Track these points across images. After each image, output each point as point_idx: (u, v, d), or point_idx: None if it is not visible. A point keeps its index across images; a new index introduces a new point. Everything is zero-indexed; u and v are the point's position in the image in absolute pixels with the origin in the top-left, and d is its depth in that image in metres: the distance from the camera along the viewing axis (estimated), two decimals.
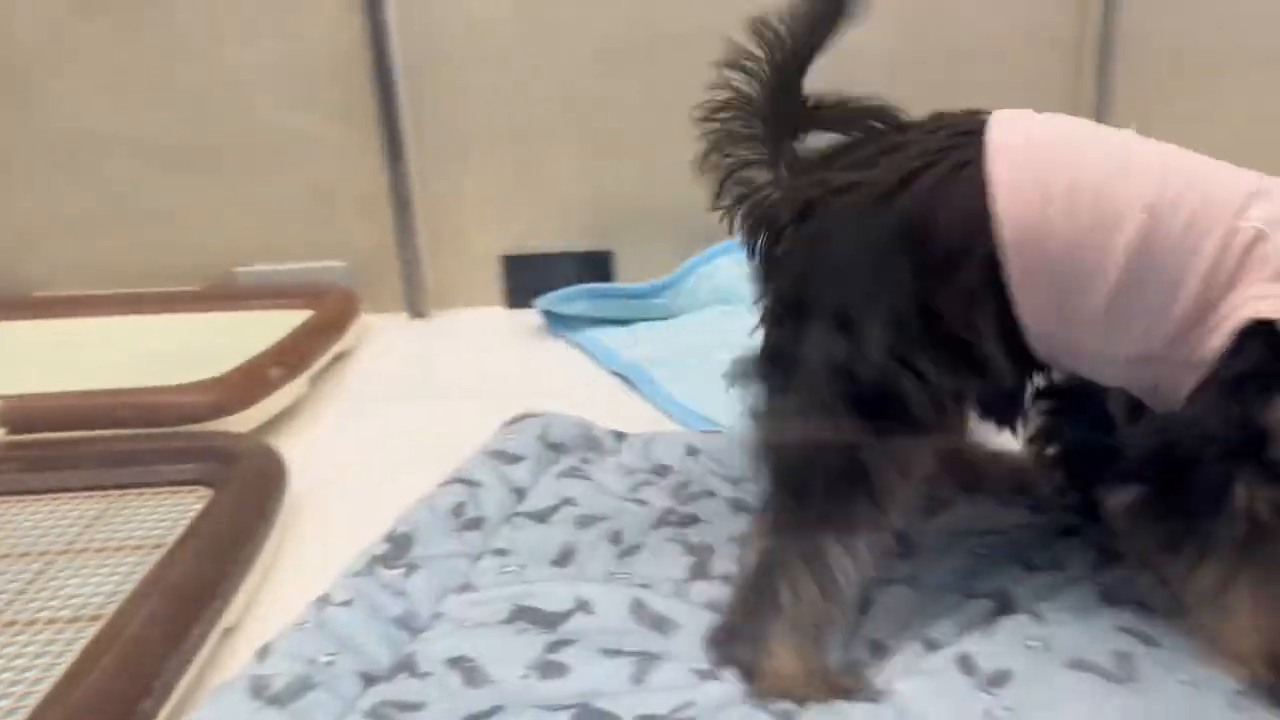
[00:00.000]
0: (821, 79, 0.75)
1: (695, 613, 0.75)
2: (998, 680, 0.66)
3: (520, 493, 0.95)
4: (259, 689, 0.66)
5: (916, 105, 0.77)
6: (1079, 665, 0.66)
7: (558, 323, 1.49)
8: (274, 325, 1.36)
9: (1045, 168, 0.64)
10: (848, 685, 0.67)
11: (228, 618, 0.80)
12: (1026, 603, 0.74)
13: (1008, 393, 0.72)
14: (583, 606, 0.75)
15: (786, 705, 0.65)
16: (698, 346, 1.35)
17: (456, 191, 1.60)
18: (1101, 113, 1.54)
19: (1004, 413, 0.75)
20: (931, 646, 0.71)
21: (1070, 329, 0.66)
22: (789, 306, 0.70)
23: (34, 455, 1.04)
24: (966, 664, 0.67)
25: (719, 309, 1.47)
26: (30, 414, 1.08)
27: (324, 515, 1.00)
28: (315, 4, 1.52)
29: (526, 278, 1.58)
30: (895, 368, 0.65)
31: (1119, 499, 0.70)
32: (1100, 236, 0.63)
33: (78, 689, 0.67)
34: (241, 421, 1.11)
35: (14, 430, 1.08)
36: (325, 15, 1.52)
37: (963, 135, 0.68)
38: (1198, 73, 1.56)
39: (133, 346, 1.41)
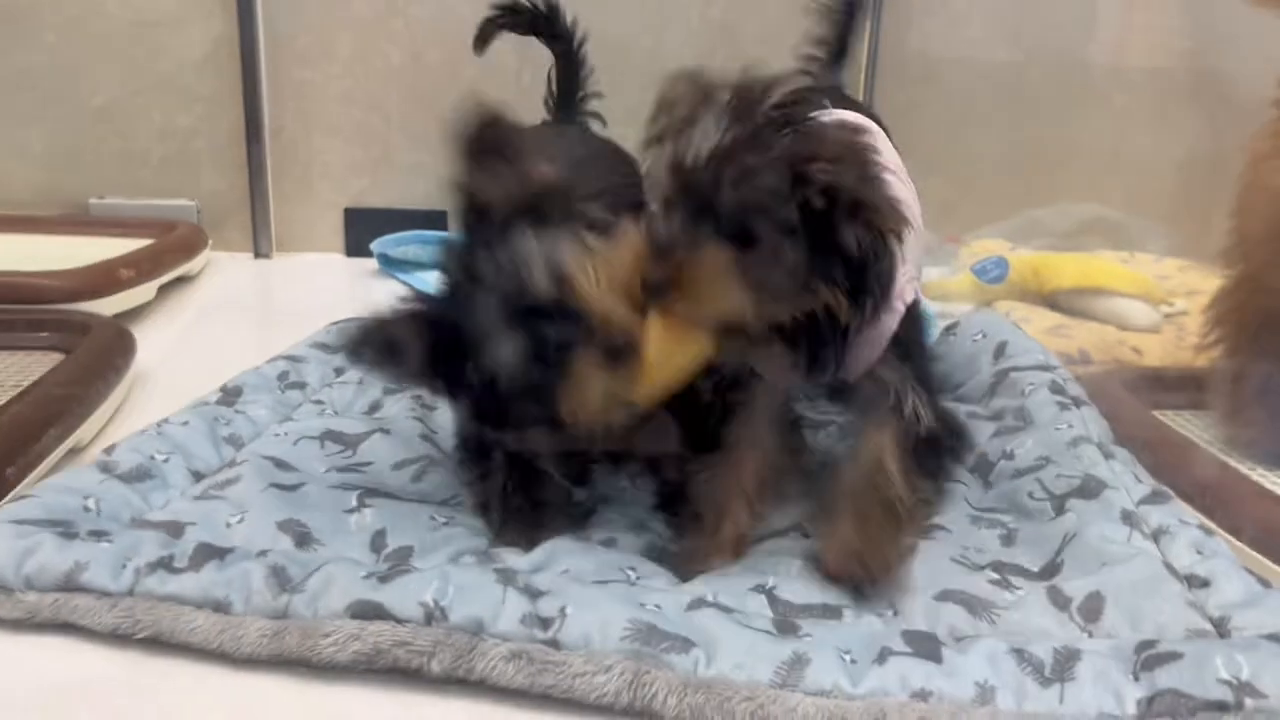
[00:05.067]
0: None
1: None
2: None
3: (339, 371, 1.12)
4: (106, 468, 0.82)
5: None
6: None
7: (390, 265, 1.67)
8: (124, 249, 1.50)
9: None
10: None
11: (74, 439, 0.95)
12: None
13: None
14: (381, 430, 0.93)
15: None
16: None
17: (307, 145, 1.76)
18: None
19: None
20: None
21: None
22: None
23: None
24: None
25: None
26: None
27: (168, 387, 1.14)
28: None
29: (366, 230, 1.75)
30: None
31: None
32: None
33: None
34: (95, 310, 1.25)
35: None
36: None
37: None
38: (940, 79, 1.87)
39: None
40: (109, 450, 0.85)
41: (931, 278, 1.54)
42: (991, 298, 1.50)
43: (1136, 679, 0.61)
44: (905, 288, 0.77)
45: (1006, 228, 1.78)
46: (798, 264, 0.66)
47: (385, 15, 1.72)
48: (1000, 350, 1.09)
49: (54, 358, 1.10)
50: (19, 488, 0.83)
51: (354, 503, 0.81)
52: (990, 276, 1.49)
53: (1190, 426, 1.07)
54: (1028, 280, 1.48)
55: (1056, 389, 0.97)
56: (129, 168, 1.74)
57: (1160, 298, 1.43)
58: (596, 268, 0.70)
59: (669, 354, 0.69)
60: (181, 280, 1.55)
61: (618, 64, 1.74)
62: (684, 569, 0.76)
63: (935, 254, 1.70)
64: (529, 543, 0.77)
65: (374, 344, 0.74)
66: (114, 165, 1.74)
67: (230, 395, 0.99)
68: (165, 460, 0.85)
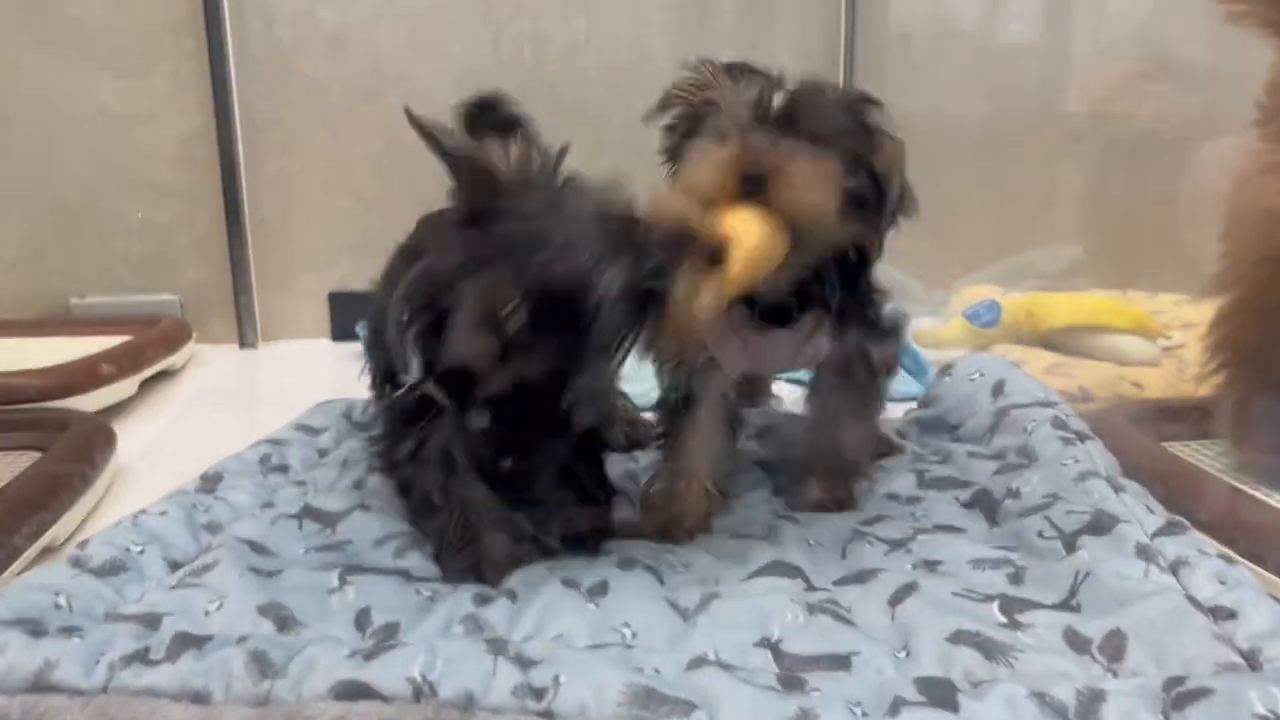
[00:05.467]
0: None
1: None
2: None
3: (323, 453, 1.09)
4: (78, 563, 0.78)
5: None
6: None
7: None
8: (107, 347, 1.48)
9: None
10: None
11: (49, 536, 0.92)
12: None
13: None
14: (361, 506, 0.90)
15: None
16: None
17: (288, 233, 1.76)
18: None
19: None
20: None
21: None
22: None
23: None
24: None
25: None
26: None
27: (150, 481, 1.11)
28: (159, 60, 1.69)
29: (351, 314, 1.73)
30: None
31: None
32: None
33: None
34: (75, 407, 1.23)
35: None
36: (170, 64, 1.69)
37: None
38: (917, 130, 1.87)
39: None
40: (82, 545, 0.81)
41: (923, 327, 1.53)
42: (986, 342, 1.49)
43: (1167, 718, 0.57)
44: None
45: (996, 272, 1.77)
46: (859, 188, 0.78)
47: (360, 102, 1.73)
48: (998, 388, 1.06)
49: (31, 456, 1.08)
50: None
51: (336, 582, 0.77)
52: (983, 321, 1.47)
53: (1200, 455, 1.03)
54: (1021, 322, 1.47)
55: (1059, 424, 0.95)
56: (109, 266, 1.74)
57: (1157, 331, 1.41)
58: (661, 191, 0.76)
59: (762, 250, 0.73)
60: (165, 374, 1.53)
61: (594, 135, 1.76)
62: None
63: (924, 303, 1.69)
64: (476, 575, 0.79)
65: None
66: (94, 264, 1.73)
67: (210, 482, 0.96)
68: (141, 551, 0.82)
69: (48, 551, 0.92)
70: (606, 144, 1.73)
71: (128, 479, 1.12)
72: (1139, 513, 0.80)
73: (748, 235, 0.71)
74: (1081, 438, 0.92)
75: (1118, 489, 0.83)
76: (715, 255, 0.70)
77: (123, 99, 1.70)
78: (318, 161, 1.74)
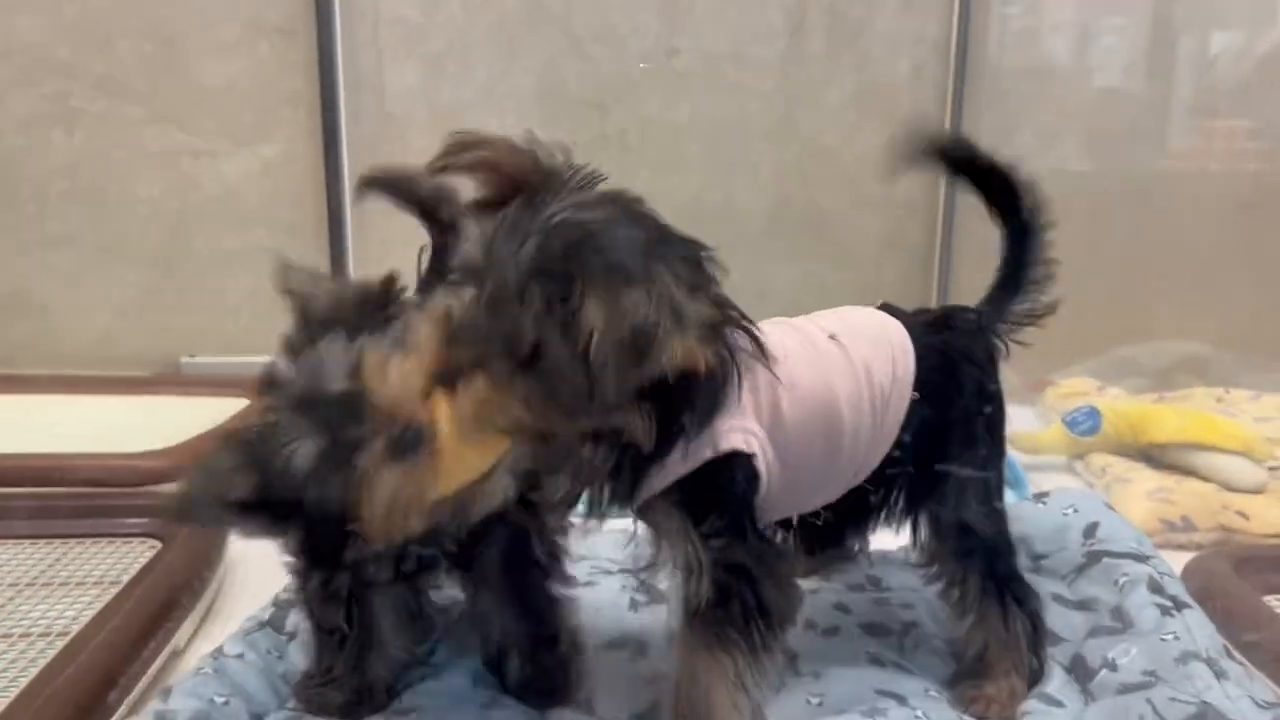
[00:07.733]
0: None
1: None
2: None
3: None
4: (164, 718, 0.78)
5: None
6: None
7: None
8: (216, 410, 1.53)
9: None
10: None
11: (176, 641, 0.97)
12: None
13: None
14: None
15: None
16: None
17: None
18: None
19: None
20: None
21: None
22: None
23: (6, 505, 1.19)
24: None
25: None
26: (4, 471, 1.24)
27: (261, 566, 1.14)
28: (276, 129, 1.76)
29: None
30: None
31: None
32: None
33: (45, 692, 0.82)
34: None
35: None
36: (286, 133, 1.77)
37: None
38: None
39: (85, 421, 1.57)
40: (164, 696, 0.81)
41: (1019, 429, 1.51)
42: (1084, 450, 1.46)
43: None
44: (727, 435, 0.72)
45: (1095, 366, 1.74)
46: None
47: None
48: (1091, 530, 1.05)
49: (149, 545, 1.13)
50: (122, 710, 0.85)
51: None
52: (1082, 428, 1.45)
53: None
54: (1123, 433, 1.44)
55: (1155, 587, 0.93)
56: (220, 325, 1.81)
57: (1264, 453, 1.37)
58: (388, 360, 0.66)
59: (461, 452, 0.63)
60: None
61: (692, 217, 1.77)
62: None
63: (1019, 398, 1.67)
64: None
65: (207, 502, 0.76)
66: (205, 323, 1.81)
67: (282, 611, 0.95)
68: (225, 703, 0.82)
69: (174, 655, 0.96)
70: (705, 226, 1.76)
71: (237, 572, 1.16)
72: (1244, 706, 0.79)
73: (450, 432, 0.62)
74: (1178, 605, 0.91)
75: (1219, 674, 0.82)
76: (407, 445, 0.63)
77: (240, 165, 1.76)
78: (420, 231, 1.78)
